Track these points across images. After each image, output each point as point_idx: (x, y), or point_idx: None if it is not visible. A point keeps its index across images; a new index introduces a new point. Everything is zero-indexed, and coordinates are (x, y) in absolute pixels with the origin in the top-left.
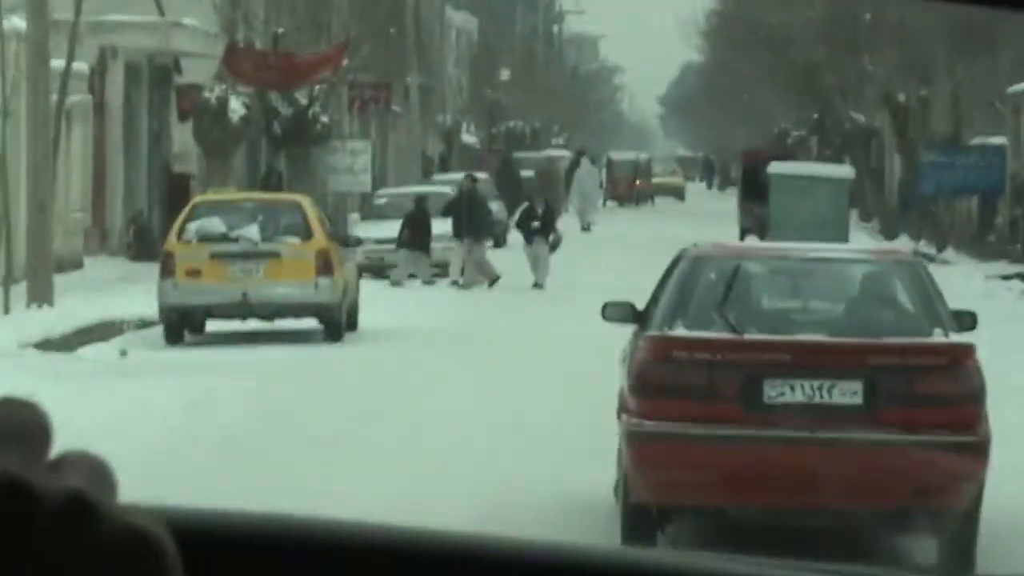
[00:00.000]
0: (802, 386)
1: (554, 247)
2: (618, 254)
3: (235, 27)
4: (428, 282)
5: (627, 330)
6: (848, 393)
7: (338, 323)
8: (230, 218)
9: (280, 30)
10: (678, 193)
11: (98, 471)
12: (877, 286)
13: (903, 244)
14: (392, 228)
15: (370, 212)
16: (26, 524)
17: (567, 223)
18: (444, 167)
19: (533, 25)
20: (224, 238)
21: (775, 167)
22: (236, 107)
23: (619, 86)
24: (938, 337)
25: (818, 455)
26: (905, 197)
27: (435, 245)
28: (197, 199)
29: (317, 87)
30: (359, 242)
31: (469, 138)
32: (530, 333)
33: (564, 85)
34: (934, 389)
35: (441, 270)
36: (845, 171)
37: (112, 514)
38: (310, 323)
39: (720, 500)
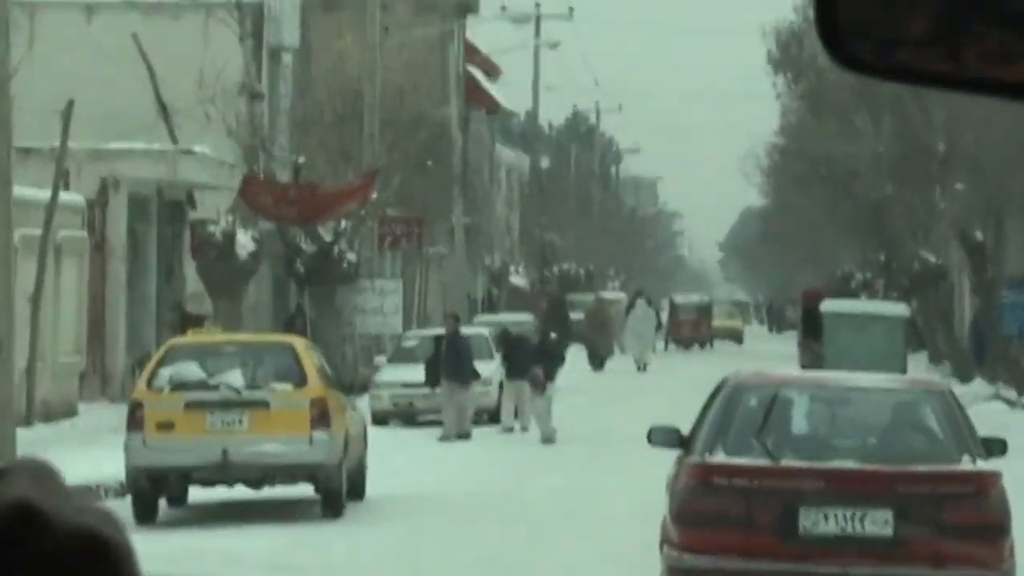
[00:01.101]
0: (835, 516)
1: (534, 383)
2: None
3: (255, 156)
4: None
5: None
6: (880, 523)
7: (337, 491)
8: (210, 363)
9: (301, 159)
10: (736, 336)
11: (43, 475)
12: (907, 414)
13: (980, 388)
14: (420, 371)
15: (398, 354)
16: None
17: (621, 364)
18: (492, 308)
19: (588, 166)
20: (202, 385)
21: (828, 305)
22: (245, 242)
23: (678, 231)
24: (966, 464)
25: None
26: (979, 339)
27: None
28: (171, 341)
29: (344, 222)
30: (365, 388)
31: (518, 280)
32: (560, 500)
33: (621, 227)
34: (961, 519)
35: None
36: (900, 308)
37: (58, 517)
38: (306, 490)
39: None
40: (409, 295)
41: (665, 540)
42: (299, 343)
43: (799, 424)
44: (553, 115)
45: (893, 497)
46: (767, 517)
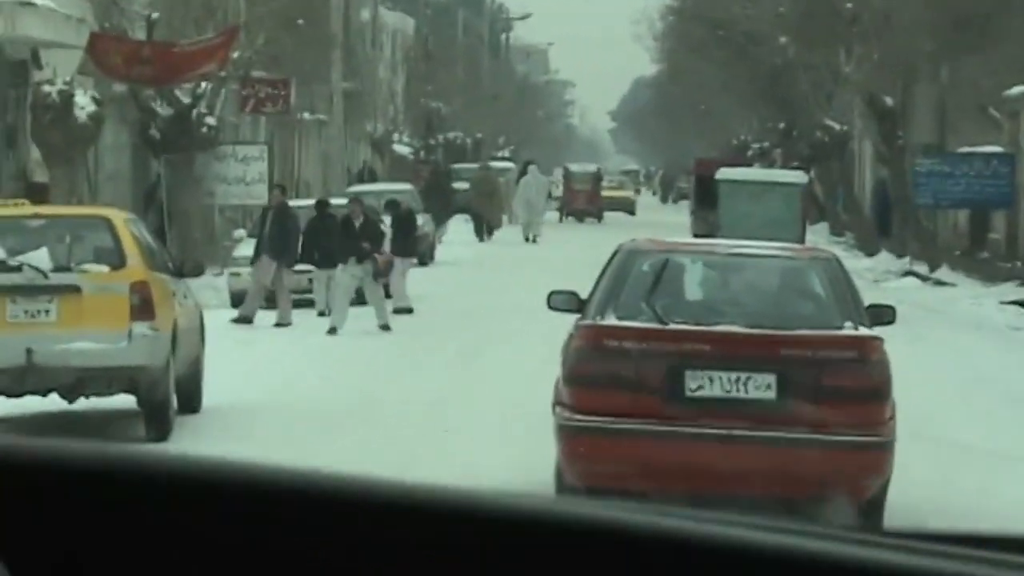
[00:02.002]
0: (720, 379)
1: (378, 275)
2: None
3: (107, 12)
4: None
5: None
6: (762, 387)
7: (162, 404)
8: (11, 240)
9: (155, 15)
10: (628, 207)
11: None
12: (794, 280)
13: (889, 263)
14: None
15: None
16: None
17: (510, 234)
18: (372, 179)
19: (477, 32)
20: (1, 266)
21: (724, 173)
22: (84, 103)
23: (570, 100)
24: (848, 330)
25: (733, 449)
26: (884, 210)
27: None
28: None
29: (203, 84)
30: (201, 270)
31: (402, 148)
32: (432, 398)
33: (510, 95)
34: (841, 382)
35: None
36: (798, 176)
37: None
38: (128, 402)
39: (643, 487)
40: (287, 165)
41: (557, 402)
42: (117, 216)
43: (689, 289)
44: None
45: (776, 361)
46: (654, 379)
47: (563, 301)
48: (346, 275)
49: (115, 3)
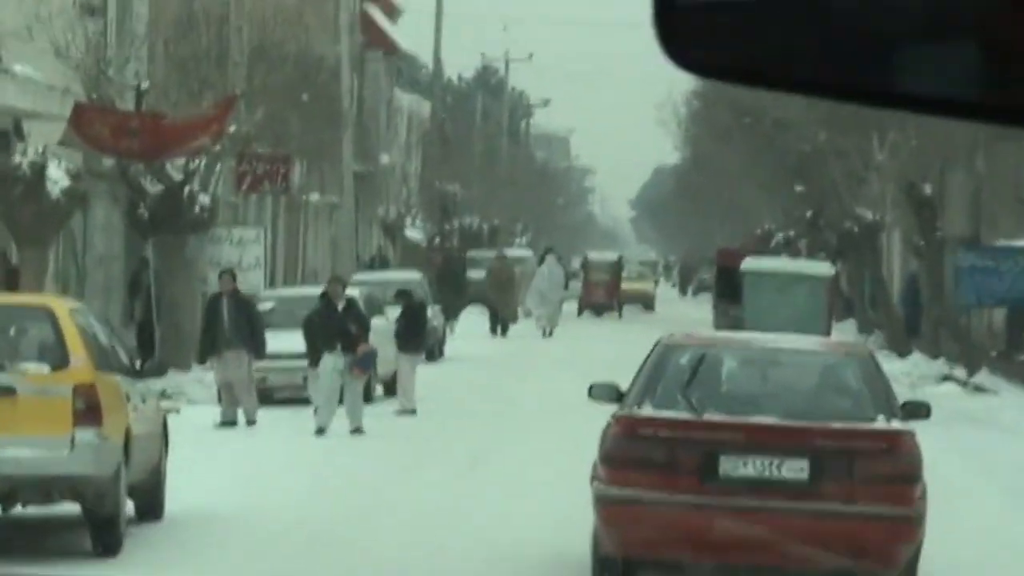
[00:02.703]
0: (754, 463)
1: (359, 366)
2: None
3: (95, 83)
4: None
5: None
6: (795, 470)
7: (110, 517)
8: None
9: (144, 83)
10: (647, 301)
11: None
12: (829, 375)
13: (925, 366)
14: (280, 340)
15: None
16: None
17: (527, 327)
18: (384, 265)
19: (496, 118)
20: None
21: (748, 263)
22: (57, 176)
23: (590, 188)
24: (880, 423)
25: (765, 520)
26: (914, 307)
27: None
28: None
29: (197, 159)
30: (163, 370)
31: (414, 234)
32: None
33: (529, 181)
34: (873, 470)
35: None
36: (825, 268)
37: None
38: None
39: (676, 556)
40: (292, 250)
41: (595, 477)
42: (61, 306)
43: (724, 382)
44: (460, 66)
45: (809, 449)
46: (689, 462)
47: (603, 392)
48: (328, 365)
49: (102, 73)
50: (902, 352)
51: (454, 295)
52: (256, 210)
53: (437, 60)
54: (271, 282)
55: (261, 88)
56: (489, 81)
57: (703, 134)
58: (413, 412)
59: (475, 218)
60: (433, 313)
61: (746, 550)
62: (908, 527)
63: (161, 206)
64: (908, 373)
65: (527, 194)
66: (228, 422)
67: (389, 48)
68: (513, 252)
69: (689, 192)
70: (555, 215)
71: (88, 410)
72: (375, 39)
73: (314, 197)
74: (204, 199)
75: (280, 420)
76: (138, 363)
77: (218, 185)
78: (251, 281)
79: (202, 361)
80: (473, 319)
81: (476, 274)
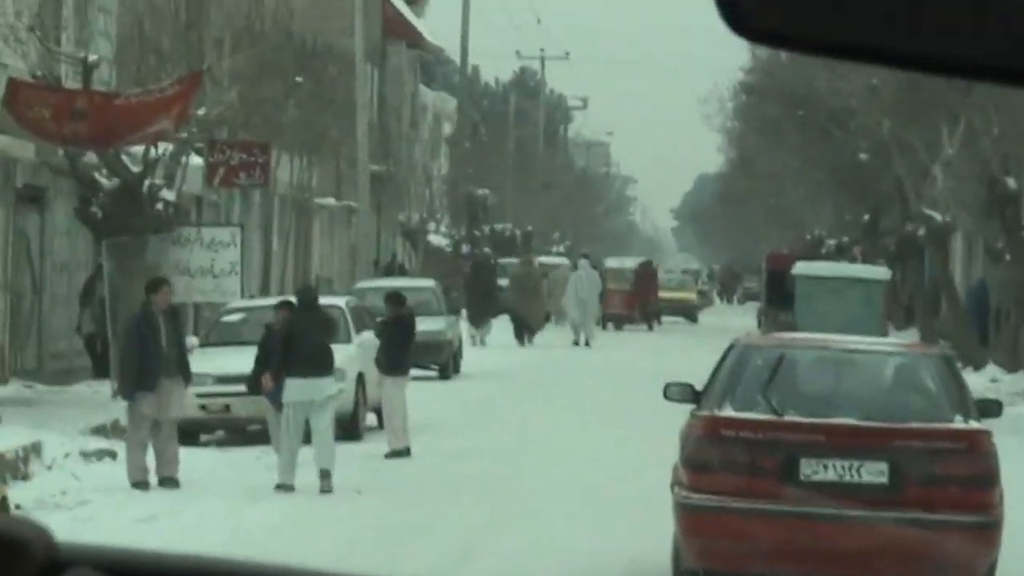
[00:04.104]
0: (834, 465)
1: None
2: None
3: (45, 60)
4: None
5: None
6: (875, 472)
7: None
8: None
9: (93, 57)
10: (688, 312)
11: None
12: (906, 375)
13: (1002, 378)
14: (251, 358)
15: (215, 333)
16: None
17: (557, 336)
18: (401, 273)
19: (533, 120)
20: None
21: (800, 267)
22: None
23: (632, 197)
24: (958, 423)
25: (847, 530)
26: (981, 315)
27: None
28: None
29: (162, 147)
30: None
31: (438, 239)
32: None
33: (567, 187)
34: (952, 471)
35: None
36: (881, 272)
37: None
38: None
39: (759, 569)
40: (303, 258)
41: (676, 482)
42: None
43: (803, 383)
44: (496, 68)
45: (889, 451)
46: (770, 464)
47: (679, 393)
48: (292, 397)
49: (49, 52)
50: (977, 365)
51: (485, 304)
52: (242, 210)
53: (464, 50)
54: (280, 290)
55: (243, 66)
56: (527, 84)
57: (750, 130)
58: (406, 453)
59: (507, 224)
60: (445, 324)
61: (825, 560)
62: (988, 535)
63: (117, 203)
64: (993, 389)
65: (564, 200)
66: (141, 483)
67: (413, 39)
68: (548, 259)
69: (733, 197)
70: (595, 223)
71: None
72: (397, 29)
73: (329, 201)
74: (167, 195)
75: (225, 470)
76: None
77: (184, 179)
78: (227, 289)
79: (129, 396)
80: (502, 328)
81: (506, 282)
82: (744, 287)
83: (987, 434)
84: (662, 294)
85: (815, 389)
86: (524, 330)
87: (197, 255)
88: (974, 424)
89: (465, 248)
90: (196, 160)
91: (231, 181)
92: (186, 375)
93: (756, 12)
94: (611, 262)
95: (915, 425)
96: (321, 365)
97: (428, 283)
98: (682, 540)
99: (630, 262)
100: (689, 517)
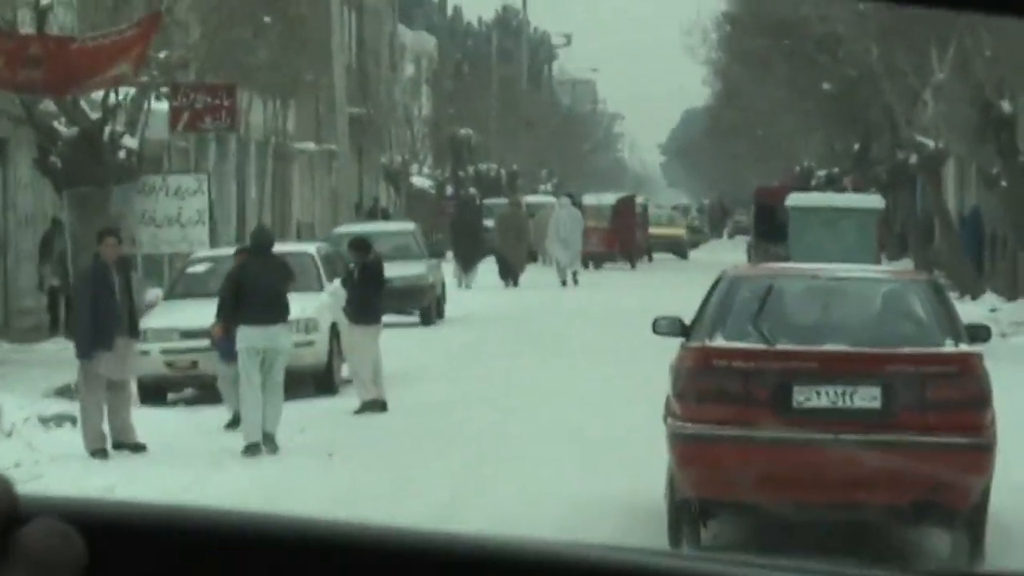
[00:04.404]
0: (827, 392)
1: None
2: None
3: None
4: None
5: None
6: (868, 398)
7: None
8: None
9: (46, 0)
10: (677, 247)
11: (49, 559)
12: (895, 302)
13: (1001, 307)
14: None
15: (180, 286)
16: None
17: (544, 276)
18: (385, 216)
19: (516, 60)
20: None
21: (794, 199)
22: None
23: (619, 134)
24: (949, 347)
25: (841, 455)
26: (975, 243)
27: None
28: None
29: (123, 91)
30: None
31: (422, 181)
32: None
33: (553, 125)
34: (944, 395)
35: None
36: (874, 200)
37: None
38: None
39: (754, 496)
40: (285, 203)
41: (669, 414)
42: None
43: (793, 312)
44: (477, 5)
45: (881, 376)
46: (763, 393)
47: (667, 326)
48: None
49: None
50: (974, 294)
51: (470, 245)
52: (217, 156)
53: None
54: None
55: (207, 7)
56: (510, 23)
57: (735, 61)
58: (382, 407)
59: (492, 164)
60: (426, 268)
61: (822, 488)
62: (981, 456)
63: (77, 152)
64: (994, 320)
65: (551, 139)
66: (99, 451)
67: None
68: (534, 199)
69: (721, 131)
70: (582, 161)
71: None
72: None
73: (308, 145)
74: (129, 141)
75: (192, 432)
76: None
77: (147, 125)
78: (194, 238)
79: (87, 355)
80: (488, 270)
81: (492, 223)
82: (734, 220)
83: (978, 357)
84: (652, 231)
85: (805, 317)
86: (509, 272)
87: (163, 204)
88: (964, 347)
89: (449, 190)
90: (162, 106)
91: (196, 126)
92: (134, 331)
93: None
94: (588, 199)
95: (906, 350)
96: (275, 313)
97: (408, 226)
98: (676, 470)
99: (608, 198)
100: (683, 447)
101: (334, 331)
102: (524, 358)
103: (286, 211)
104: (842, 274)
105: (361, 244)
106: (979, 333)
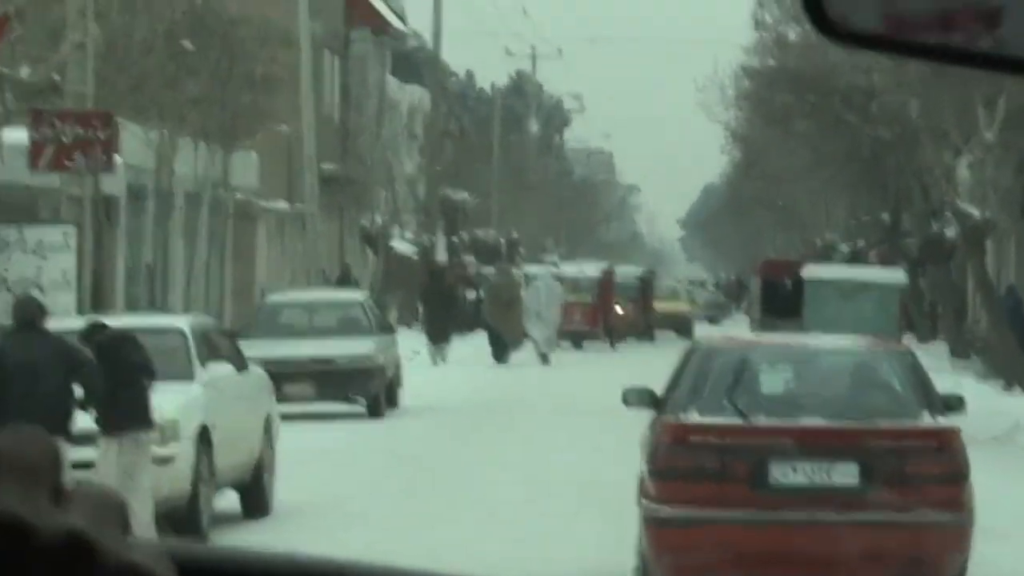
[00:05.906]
0: (804, 469)
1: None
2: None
3: None
4: None
5: None
6: (846, 474)
7: None
8: None
9: None
10: (681, 325)
11: (106, 506)
12: (871, 373)
13: None
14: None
15: None
16: (22, 563)
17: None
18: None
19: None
20: None
21: (811, 271)
22: None
23: (636, 206)
24: (926, 420)
25: (820, 534)
26: (1016, 324)
27: None
28: None
29: None
30: None
31: (403, 246)
32: None
33: (562, 192)
34: (923, 470)
35: None
36: (897, 275)
37: (111, 552)
38: None
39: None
40: (247, 270)
41: (643, 494)
42: None
43: (768, 385)
44: (491, 71)
45: (858, 452)
46: (740, 470)
47: (638, 397)
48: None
49: None
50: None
51: (442, 316)
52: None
53: (437, 35)
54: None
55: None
56: (524, 89)
57: (755, 119)
58: None
59: (489, 229)
60: (379, 345)
61: (798, 566)
62: (960, 532)
63: None
64: None
65: (558, 207)
66: None
67: (378, 26)
68: (535, 268)
69: (739, 201)
70: (594, 230)
71: None
72: (362, 15)
73: (279, 204)
74: None
75: None
76: None
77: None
78: (58, 304)
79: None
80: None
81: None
82: (749, 295)
83: (956, 432)
84: (657, 306)
85: (780, 390)
86: (500, 347)
87: (19, 263)
88: (942, 421)
89: (442, 256)
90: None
91: (63, 164)
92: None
93: (842, 14)
94: (568, 269)
95: (884, 424)
96: (49, 420)
97: (356, 296)
98: (651, 556)
99: (591, 269)
100: (660, 531)
101: (204, 439)
102: (474, 478)
103: (247, 276)
104: (816, 346)
105: (96, 329)
106: (953, 403)
